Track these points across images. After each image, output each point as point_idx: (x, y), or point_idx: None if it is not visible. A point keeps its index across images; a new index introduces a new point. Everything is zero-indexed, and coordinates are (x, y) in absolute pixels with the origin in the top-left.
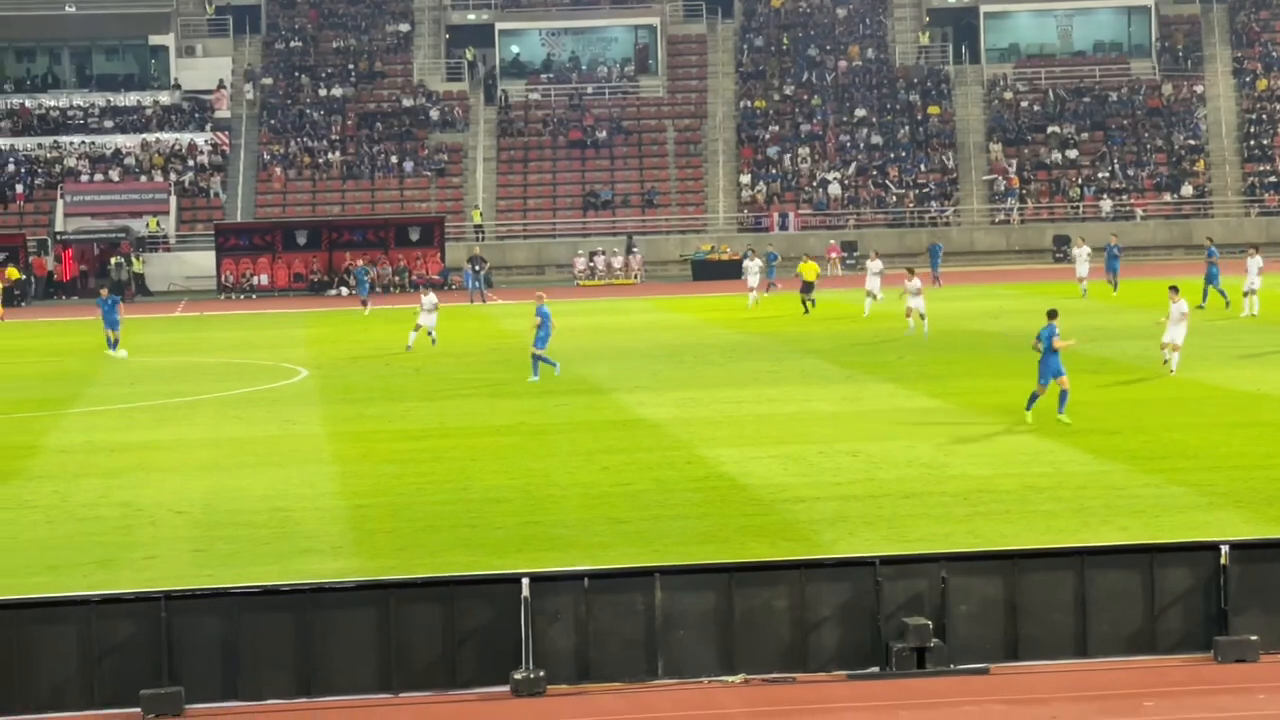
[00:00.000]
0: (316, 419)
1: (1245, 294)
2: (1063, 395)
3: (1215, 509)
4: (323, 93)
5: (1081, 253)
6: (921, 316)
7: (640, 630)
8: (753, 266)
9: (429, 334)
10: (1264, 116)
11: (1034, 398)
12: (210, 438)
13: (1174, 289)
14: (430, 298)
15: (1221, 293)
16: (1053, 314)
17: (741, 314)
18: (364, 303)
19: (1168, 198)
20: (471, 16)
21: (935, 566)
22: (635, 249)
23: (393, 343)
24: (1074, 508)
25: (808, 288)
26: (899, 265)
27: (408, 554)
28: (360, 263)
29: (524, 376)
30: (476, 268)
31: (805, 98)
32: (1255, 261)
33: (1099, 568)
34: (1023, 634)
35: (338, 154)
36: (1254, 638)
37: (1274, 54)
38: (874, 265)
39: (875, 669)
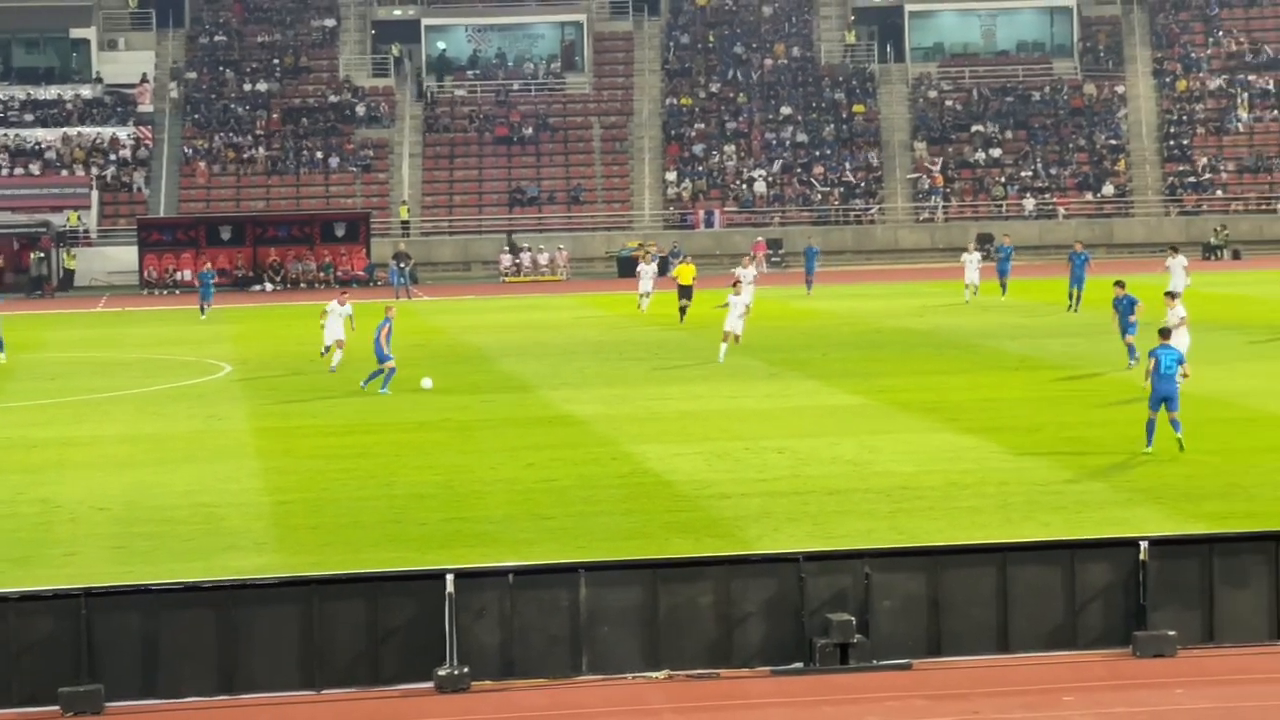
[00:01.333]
0: (240, 415)
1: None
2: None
3: (1135, 505)
4: (247, 87)
5: (972, 259)
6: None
7: (565, 626)
8: (647, 271)
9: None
10: (1184, 117)
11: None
12: (131, 434)
13: (1170, 294)
14: (341, 308)
15: (1077, 296)
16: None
17: (667, 309)
18: (203, 308)
19: (1089, 197)
20: (398, 12)
21: (859, 563)
22: (525, 248)
23: (319, 339)
24: (996, 504)
25: (684, 292)
26: (830, 264)
27: (331, 550)
28: (207, 265)
29: (450, 372)
30: (401, 264)
31: (731, 95)
32: (1179, 261)
33: (1020, 564)
34: (945, 629)
35: (262, 149)
36: (1172, 633)
37: (1194, 55)
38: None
39: (799, 665)
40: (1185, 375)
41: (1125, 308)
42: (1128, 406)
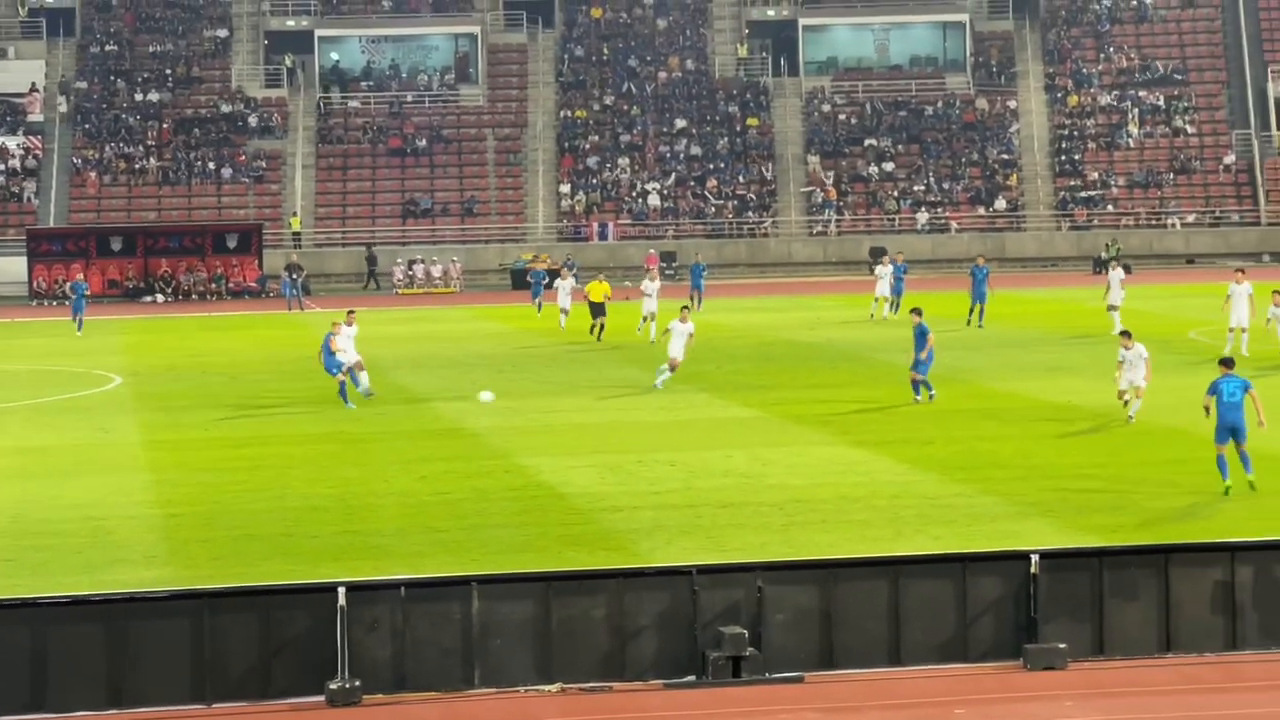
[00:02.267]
0: (131, 427)
1: (1113, 309)
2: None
3: (1025, 519)
4: (139, 97)
5: (886, 271)
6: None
7: (457, 639)
8: (565, 286)
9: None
10: (1075, 132)
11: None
12: (19, 446)
13: (1126, 334)
14: (350, 328)
15: (979, 311)
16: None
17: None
18: (79, 322)
19: (981, 211)
20: (291, 23)
21: (751, 576)
22: (297, 273)
23: (211, 350)
24: (888, 517)
25: (597, 310)
26: (723, 278)
27: (223, 563)
28: (80, 276)
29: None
30: (293, 275)
31: (625, 108)
32: (1117, 274)
33: (912, 577)
34: (837, 643)
35: (154, 160)
36: (1062, 645)
37: (1085, 71)
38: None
39: (692, 678)
40: (1261, 423)
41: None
42: (1019, 421)
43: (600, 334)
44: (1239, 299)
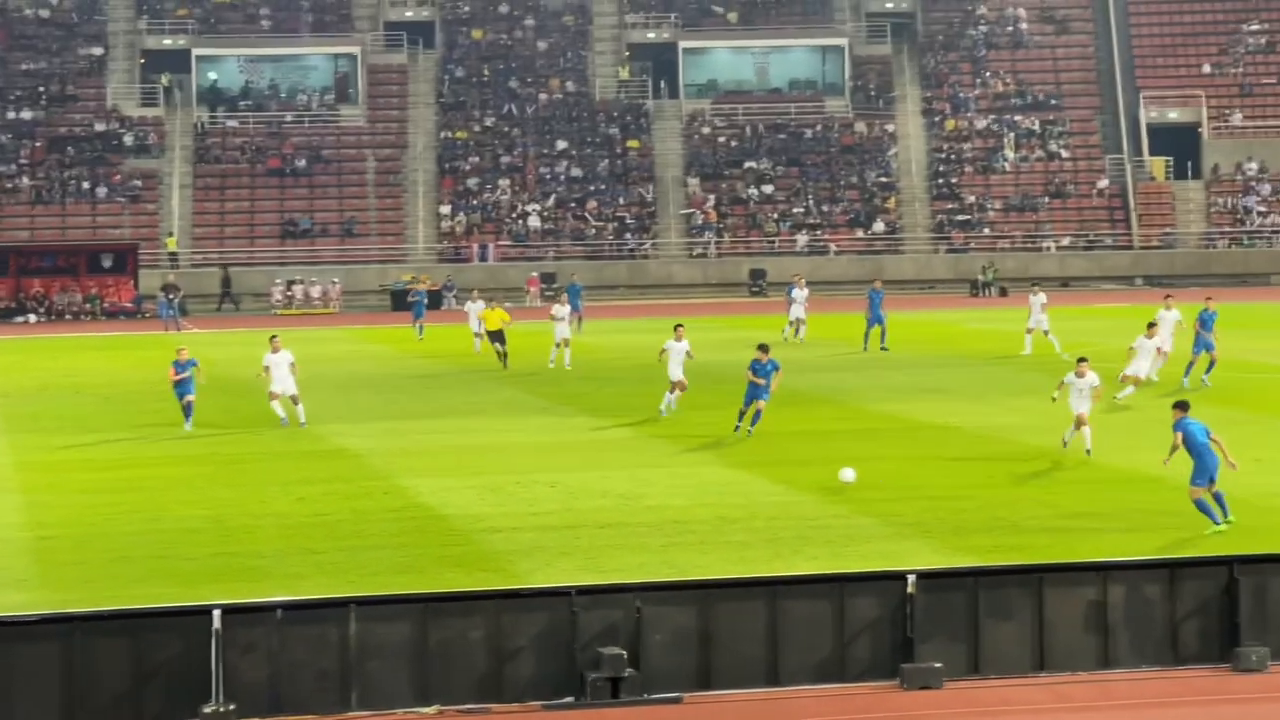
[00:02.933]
0: (1, 448)
1: (1029, 331)
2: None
3: (902, 539)
4: (12, 115)
5: (802, 295)
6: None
7: (334, 662)
8: (474, 309)
9: None
10: (952, 156)
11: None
12: None
13: (1083, 359)
14: (277, 355)
15: (880, 334)
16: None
17: (438, 344)
18: None
19: (860, 234)
20: (168, 42)
21: (630, 597)
22: (174, 293)
23: (85, 371)
24: (766, 538)
25: (496, 337)
26: (604, 299)
27: (95, 586)
28: None
29: (220, 406)
30: (170, 296)
31: (506, 130)
32: (1039, 299)
33: (790, 598)
34: (715, 663)
35: (27, 178)
36: (938, 665)
37: (961, 95)
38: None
39: (570, 699)
40: (1232, 465)
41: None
42: (896, 442)
43: (505, 359)
44: (1165, 324)
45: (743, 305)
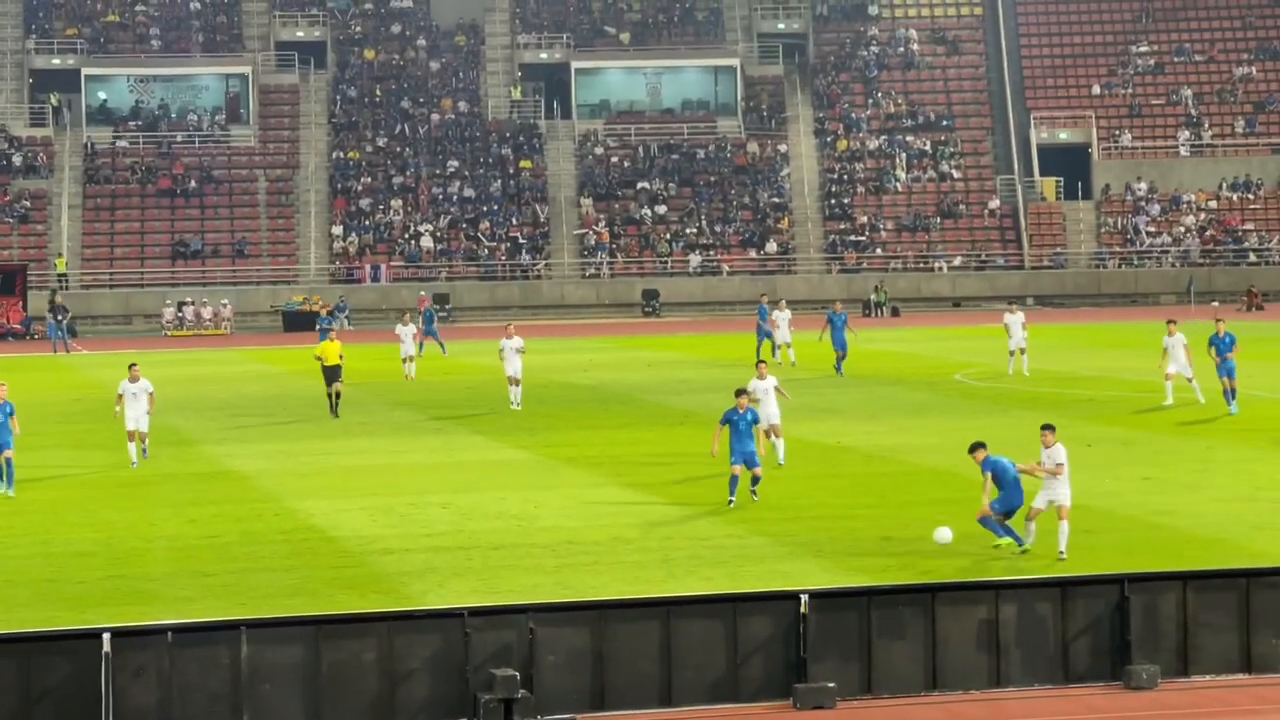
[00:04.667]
0: None
1: (1012, 353)
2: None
3: (795, 559)
4: None
5: (783, 317)
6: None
7: (226, 685)
8: (407, 332)
9: None
10: (844, 176)
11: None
12: None
13: (1049, 428)
14: (134, 385)
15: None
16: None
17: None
18: None
19: (753, 254)
20: (56, 61)
21: (523, 618)
22: (62, 314)
23: None
24: (660, 558)
25: (332, 374)
26: (496, 319)
27: None
28: None
29: (111, 427)
30: (59, 317)
31: (398, 150)
32: (1017, 318)
33: (683, 617)
34: (609, 683)
35: None
36: (831, 685)
37: (853, 115)
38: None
39: None
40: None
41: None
42: (790, 461)
43: (337, 404)
44: (1175, 349)
45: (636, 325)
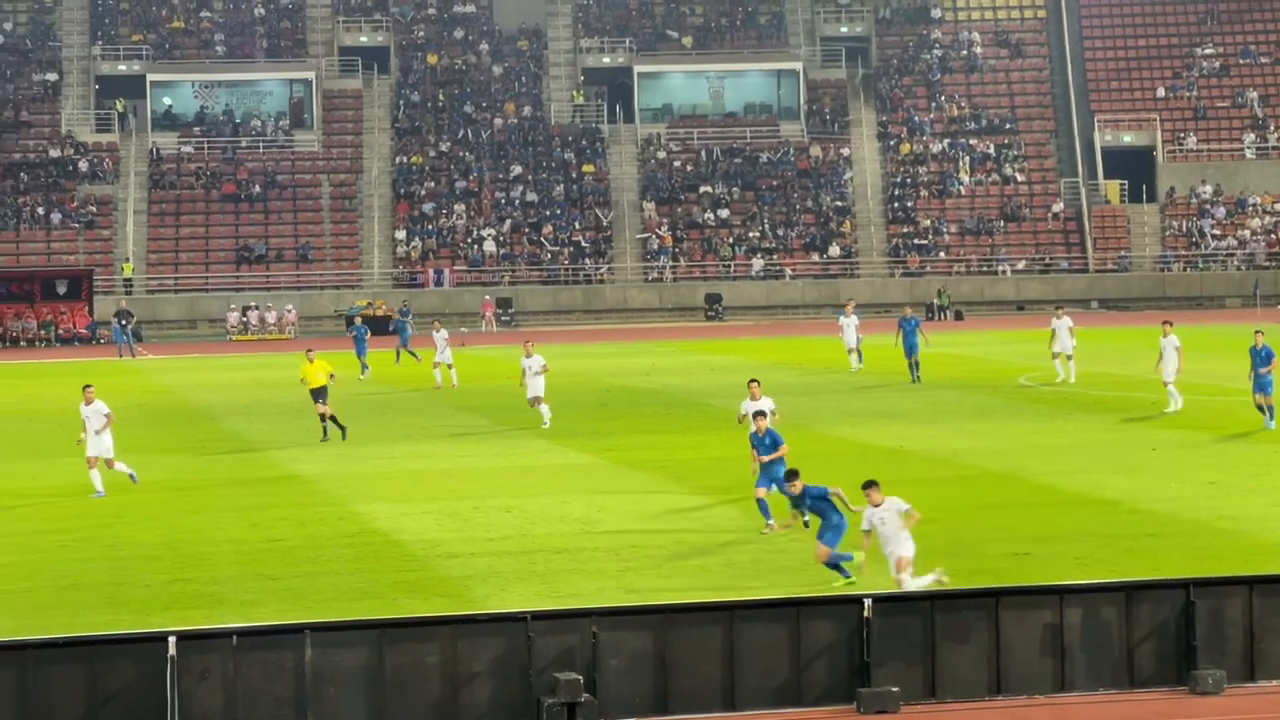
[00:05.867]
0: None
1: (1055, 356)
2: None
3: None
4: None
5: (850, 322)
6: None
7: (290, 688)
8: (440, 337)
9: None
10: (907, 179)
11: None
12: None
13: (872, 485)
14: (89, 406)
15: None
16: None
17: (391, 370)
18: None
19: (816, 258)
20: (122, 67)
21: (586, 621)
22: (127, 319)
23: (39, 397)
24: (723, 563)
25: (318, 395)
26: (559, 324)
27: (48, 614)
28: None
29: (175, 432)
30: (123, 322)
31: (461, 154)
32: (1064, 323)
33: (746, 622)
34: (672, 688)
35: None
36: (895, 689)
37: (916, 119)
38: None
39: None
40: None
41: None
42: (852, 467)
43: (329, 427)
44: (1167, 351)
45: (699, 329)
